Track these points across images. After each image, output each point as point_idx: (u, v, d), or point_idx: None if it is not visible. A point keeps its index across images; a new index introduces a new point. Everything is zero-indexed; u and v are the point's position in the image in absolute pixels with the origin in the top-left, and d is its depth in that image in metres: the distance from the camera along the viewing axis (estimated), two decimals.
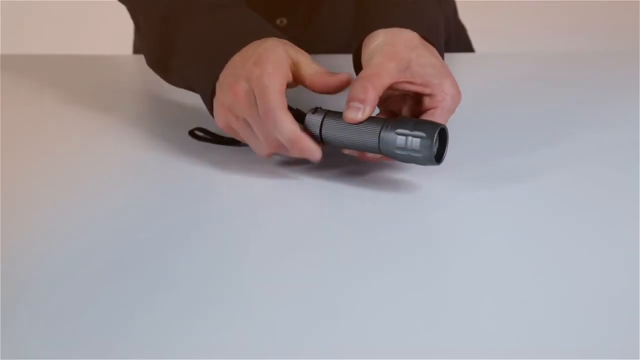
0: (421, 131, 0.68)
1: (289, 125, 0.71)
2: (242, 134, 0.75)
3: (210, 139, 0.82)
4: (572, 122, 0.87)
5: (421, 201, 0.72)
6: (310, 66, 0.73)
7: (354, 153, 0.73)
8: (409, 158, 0.69)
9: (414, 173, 0.75)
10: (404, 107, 0.75)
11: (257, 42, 0.74)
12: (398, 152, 0.69)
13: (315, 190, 0.74)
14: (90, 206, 0.72)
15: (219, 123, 0.76)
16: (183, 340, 0.55)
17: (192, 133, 0.83)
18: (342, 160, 0.76)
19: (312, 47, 0.81)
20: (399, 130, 0.69)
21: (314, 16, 1.04)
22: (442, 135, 0.70)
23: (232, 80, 0.73)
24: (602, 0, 3.10)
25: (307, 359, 0.53)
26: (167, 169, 0.78)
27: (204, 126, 0.82)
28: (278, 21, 1.03)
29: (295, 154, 0.72)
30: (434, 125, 0.69)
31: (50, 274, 0.62)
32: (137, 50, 1.17)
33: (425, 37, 0.75)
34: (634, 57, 1.09)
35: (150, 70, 0.83)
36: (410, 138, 0.68)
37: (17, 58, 1.10)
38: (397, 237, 0.66)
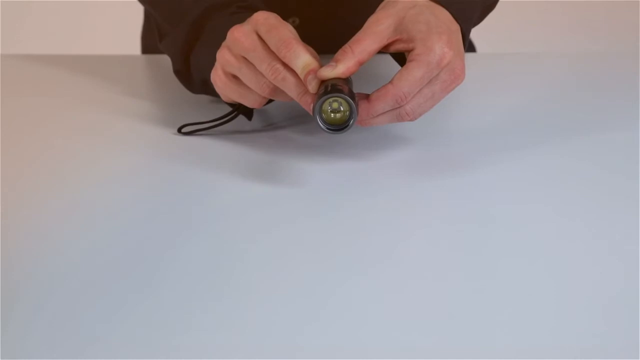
0: (316, 103, 0.68)
1: (305, 51, 0.70)
2: (239, 75, 0.74)
3: (201, 128, 0.82)
4: (571, 121, 0.87)
5: (420, 201, 0.72)
6: None
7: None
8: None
9: (412, 172, 0.75)
10: None
11: None
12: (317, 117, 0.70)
13: (309, 187, 0.74)
14: (91, 206, 0.72)
15: (213, 77, 0.76)
16: (183, 340, 0.55)
17: (180, 131, 0.83)
18: (339, 157, 0.77)
19: (325, 46, 0.81)
20: (315, 102, 0.69)
21: (326, 16, 1.04)
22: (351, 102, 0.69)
23: (232, 30, 0.73)
24: (602, 0, 3.10)
25: (303, 359, 0.53)
26: (170, 169, 0.78)
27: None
28: (290, 20, 1.03)
29: (296, 92, 0.71)
30: (322, 97, 0.68)
31: (50, 274, 0.62)
32: (145, 50, 1.17)
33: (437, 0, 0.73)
34: (634, 57, 1.09)
35: (152, 70, 0.83)
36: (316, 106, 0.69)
37: (17, 58, 1.10)
38: (393, 239, 0.67)
